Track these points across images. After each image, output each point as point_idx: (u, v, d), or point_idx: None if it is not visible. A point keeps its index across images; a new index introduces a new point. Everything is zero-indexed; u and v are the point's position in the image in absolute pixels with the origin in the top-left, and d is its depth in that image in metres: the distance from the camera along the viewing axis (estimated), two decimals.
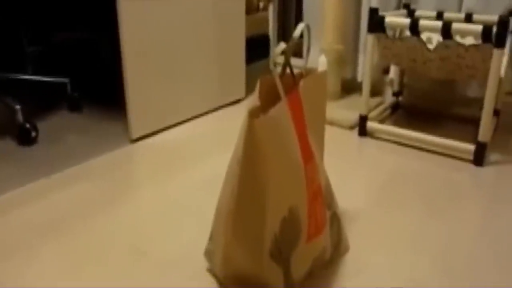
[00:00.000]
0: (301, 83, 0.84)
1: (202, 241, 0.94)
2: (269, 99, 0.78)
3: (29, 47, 1.98)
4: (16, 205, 1.10)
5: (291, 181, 0.74)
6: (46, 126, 1.65)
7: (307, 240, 0.78)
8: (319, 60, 0.95)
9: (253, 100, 0.72)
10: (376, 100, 1.87)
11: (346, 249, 0.94)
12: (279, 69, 0.85)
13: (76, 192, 1.17)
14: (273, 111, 0.69)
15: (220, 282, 0.82)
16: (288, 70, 0.86)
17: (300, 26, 0.84)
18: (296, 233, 0.75)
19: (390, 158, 1.41)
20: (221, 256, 0.77)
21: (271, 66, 0.79)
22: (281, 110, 0.72)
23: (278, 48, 0.75)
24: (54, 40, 2.13)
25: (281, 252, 0.74)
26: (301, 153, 0.78)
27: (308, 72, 0.91)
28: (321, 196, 0.83)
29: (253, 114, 0.67)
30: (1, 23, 1.67)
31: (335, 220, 0.90)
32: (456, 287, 0.85)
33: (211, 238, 0.85)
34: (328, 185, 0.90)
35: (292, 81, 0.87)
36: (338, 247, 0.91)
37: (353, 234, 1.01)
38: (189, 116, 1.72)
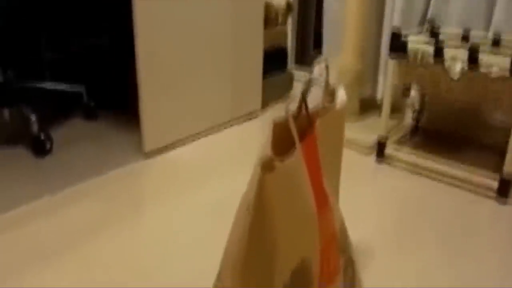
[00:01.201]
0: (317, 123, 0.81)
1: (207, 274, 0.92)
2: (283, 143, 0.75)
3: (47, 54, 1.99)
4: (26, 221, 1.10)
5: (303, 232, 0.71)
6: (61, 134, 1.65)
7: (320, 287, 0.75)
8: (338, 93, 0.92)
9: (265, 148, 0.69)
10: (395, 120, 1.83)
11: None
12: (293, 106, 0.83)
13: (84, 210, 1.17)
14: (286, 163, 0.66)
15: None
16: (304, 111, 0.83)
17: (318, 67, 0.81)
18: (308, 283, 0.73)
19: (407, 189, 1.37)
20: None
21: (286, 110, 0.76)
22: (295, 159, 0.69)
23: (296, 93, 0.73)
24: (71, 47, 2.13)
25: None
26: (315, 200, 0.75)
27: (325, 111, 0.88)
28: (335, 243, 0.80)
29: (265, 167, 0.65)
30: (20, 30, 1.67)
31: (350, 265, 0.88)
32: None
33: (219, 277, 0.83)
34: (343, 229, 0.87)
35: (307, 120, 0.84)
36: None
37: (365, 276, 0.98)
38: (204, 129, 1.70)
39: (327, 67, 0.85)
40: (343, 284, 0.85)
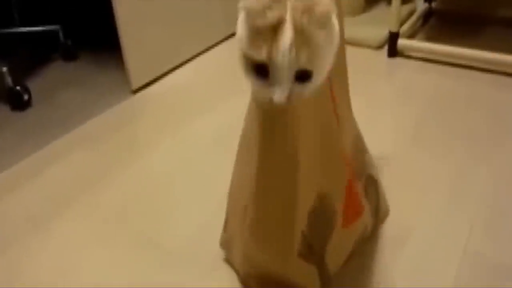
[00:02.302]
0: None
1: (216, 219, 0.81)
2: None
3: None
4: (16, 184, 1.00)
5: (323, 163, 0.58)
6: (40, 81, 1.50)
7: (344, 225, 0.64)
8: None
9: None
10: (406, 7, 1.61)
11: (386, 213, 0.81)
12: None
13: (77, 161, 1.06)
14: None
15: (241, 278, 0.71)
16: None
17: None
18: (329, 222, 0.61)
19: (425, 82, 1.22)
20: (241, 254, 0.65)
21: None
22: None
23: None
24: None
25: (312, 248, 0.61)
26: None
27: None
28: (350, 168, 0.67)
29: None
30: None
31: (371, 184, 0.76)
32: None
33: (225, 227, 0.72)
34: (359, 142, 0.75)
35: None
36: (378, 213, 0.78)
37: (390, 189, 0.86)
38: (195, 53, 1.53)
39: None
40: (369, 208, 0.73)
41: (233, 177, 0.65)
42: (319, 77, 0.46)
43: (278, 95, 0.43)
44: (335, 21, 0.45)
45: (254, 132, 0.54)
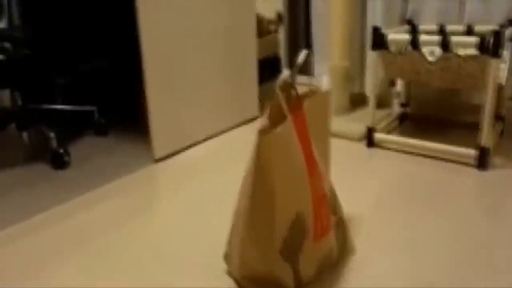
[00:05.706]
0: (305, 103, 0.94)
1: (220, 246, 1.03)
2: (278, 120, 0.88)
3: (57, 79, 2.15)
4: (56, 220, 1.23)
5: (297, 189, 0.83)
6: (76, 150, 1.79)
7: (314, 240, 0.87)
8: (323, 80, 1.05)
9: (263, 120, 0.83)
10: (385, 111, 1.96)
11: (352, 250, 1.03)
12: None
13: (106, 208, 1.29)
14: (279, 129, 0.79)
15: (238, 282, 0.92)
16: (293, 92, 0.96)
17: (303, 53, 0.95)
18: (303, 234, 0.85)
19: (395, 166, 1.49)
20: (238, 259, 0.87)
21: (277, 90, 0.90)
22: (287, 127, 0.82)
23: (283, 75, 0.86)
24: (79, 71, 2.30)
25: (290, 252, 0.83)
26: (307, 165, 0.88)
27: (313, 92, 1.01)
28: (325, 202, 0.92)
29: (262, 133, 0.77)
30: (32, 60, 1.84)
31: (341, 224, 0.99)
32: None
33: (228, 243, 0.95)
34: (333, 193, 1.00)
35: (298, 101, 0.97)
36: (344, 249, 1.00)
37: (359, 237, 1.09)
38: (208, 135, 1.83)
39: (310, 54, 0.99)
40: (336, 240, 0.96)
41: (238, 201, 0.89)
42: None
43: None
44: None
45: (251, 167, 0.80)
